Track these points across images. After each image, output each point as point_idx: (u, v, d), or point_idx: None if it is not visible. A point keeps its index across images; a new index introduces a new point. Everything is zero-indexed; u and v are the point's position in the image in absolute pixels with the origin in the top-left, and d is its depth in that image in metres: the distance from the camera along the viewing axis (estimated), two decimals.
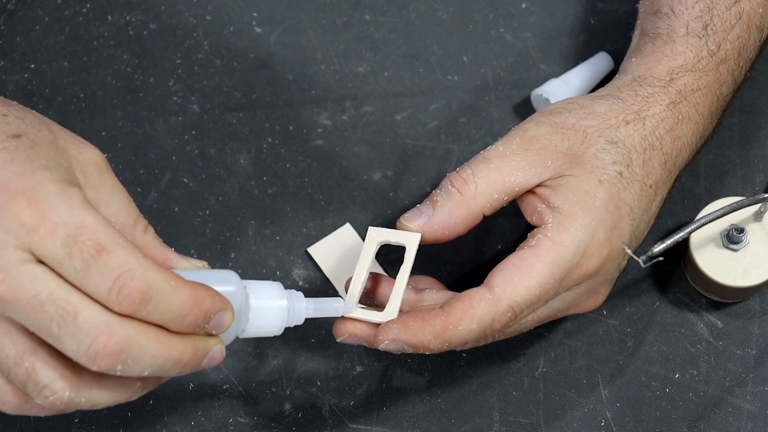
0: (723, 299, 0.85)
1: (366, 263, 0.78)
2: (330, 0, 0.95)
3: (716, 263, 0.83)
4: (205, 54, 0.94)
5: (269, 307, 0.71)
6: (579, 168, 0.76)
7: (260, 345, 0.86)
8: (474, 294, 0.74)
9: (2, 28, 0.94)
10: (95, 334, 0.63)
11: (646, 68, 0.80)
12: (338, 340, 0.76)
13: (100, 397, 0.67)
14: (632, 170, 0.77)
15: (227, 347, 0.69)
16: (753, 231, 0.83)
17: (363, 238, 0.88)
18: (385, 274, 0.80)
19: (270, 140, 0.91)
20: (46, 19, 0.95)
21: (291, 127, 0.92)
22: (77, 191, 0.65)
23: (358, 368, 0.85)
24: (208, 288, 0.67)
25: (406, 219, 0.77)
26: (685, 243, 0.84)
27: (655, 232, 0.87)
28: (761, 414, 0.83)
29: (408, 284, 0.77)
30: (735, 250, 0.83)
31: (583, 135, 0.77)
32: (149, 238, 0.70)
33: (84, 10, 0.95)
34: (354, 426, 0.84)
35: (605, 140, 0.77)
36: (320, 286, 0.87)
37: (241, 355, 0.85)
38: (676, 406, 0.84)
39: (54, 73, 0.93)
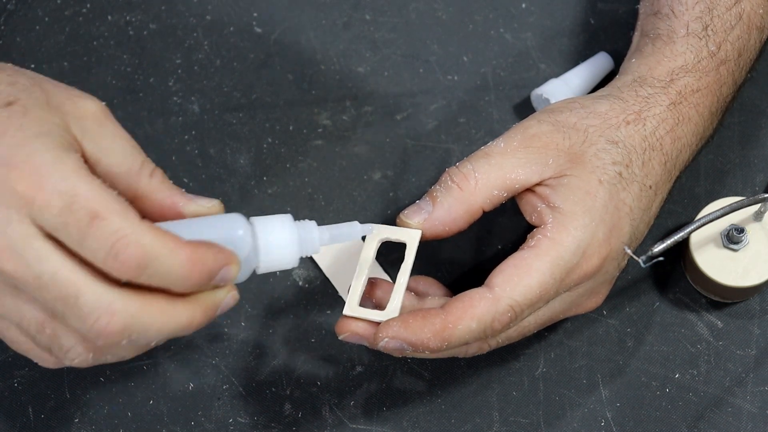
0: (723, 299, 0.85)
1: (367, 261, 0.78)
2: (330, 0, 0.95)
3: (716, 263, 0.83)
4: (205, 54, 0.94)
5: (279, 244, 0.71)
6: (580, 168, 0.76)
7: (260, 345, 0.86)
8: (474, 293, 0.74)
9: (2, 28, 0.94)
10: (97, 315, 0.64)
11: (646, 69, 0.80)
12: (340, 337, 0.76)
13: (123, 352, 0.68)
14: (631, 171, 0.77)
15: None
16: (753, 231, 0.83)
17: (363, 238, 0.88)
18: (387, 278, 0.80)
19: (270, 140, 0.91)
20: (46, 19, 0.95)
21: (291, 127, 0.92)
22: (72, 157, 0.65)
23: (358, 368, 0.85)
24: (210, 245, 0.66)
25: (406, 216, 0.77)
26: (685, 243, 0.84)
27: (655, 232, 0.87)
28: (761, 414, 0.83)
29: (409, 284, 0.77)
30: (735, 250, 0.83)
31: (584, 134, 0.77)
32: (156, 183, 0.70)
33: (84, 10, 0.95)
34: (354, 426, 0.84)
35: (606, 140, 0.77)
36: (320, 286, 0.87)
37: (241, 355, 0.85)
38: (676, 406, 0.84)
39: (54, 73, 0.93)
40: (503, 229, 0.88)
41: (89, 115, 0.69)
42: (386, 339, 0.74)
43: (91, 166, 0.68)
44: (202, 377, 0.85)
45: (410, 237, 0.77)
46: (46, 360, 0.69)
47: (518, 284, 0.74)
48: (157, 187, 0.70)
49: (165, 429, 0.84)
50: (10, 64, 0.70)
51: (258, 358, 0.85)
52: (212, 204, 0.71)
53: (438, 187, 0.77)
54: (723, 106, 0.82)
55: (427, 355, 0.75)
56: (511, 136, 0.77)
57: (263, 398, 0.85)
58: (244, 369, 0.85)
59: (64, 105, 0.68)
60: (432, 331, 0.74)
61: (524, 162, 0.76)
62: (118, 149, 0.69)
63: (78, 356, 0.67)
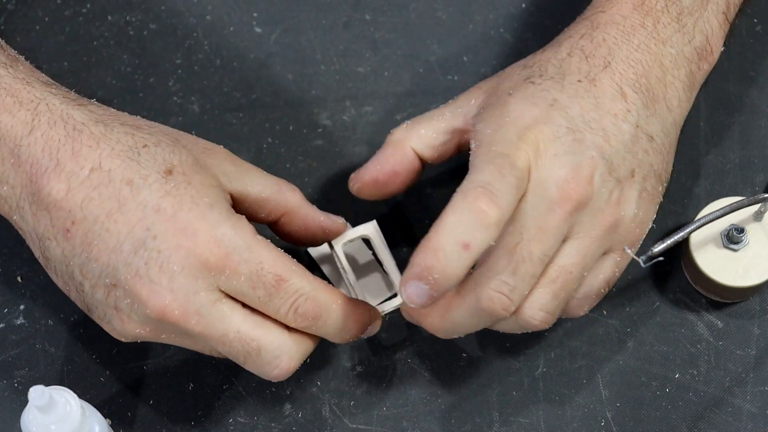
0: (723, 299, 0.86)
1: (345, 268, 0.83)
2: (330, 0, 0.95)
3: (716, 263, 0.83)
4: (205, 54, 0.94)
5: None
6: (495, 96, 0.78)
7: None
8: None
9: (2, 28, 0.94)
10: (276, 363, 0.75)
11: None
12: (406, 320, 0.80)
13: None
14: (546, 77, 0.78)
15: None
16: (753, 231, 0.83)
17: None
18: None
19: (270, 140, 0.91)
20: (46, 19, 0.95)
21: (291, 127, 0.92)
22: (246, 224, 0.74)
23: (358, 368, 0.85)
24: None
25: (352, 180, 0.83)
26: (685, 243, 0.84)
27: (655, 232, 0.87)
28: (761, 414, 0.83)
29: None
30: (735, 250, 0.83)
31: (506, 73, 0.81)
32: (297, 199, 0.79)
33: (84, 10, 0.95)
34: (354, 426, 0.84)
35: (521, 67, 0.80)
36: None
37: None
38: (676, 406, 0.84)
39: (54, 73, 0.93)
40: None
41: (224, 161, 0.77)
42: (409, 282, 0.72)
43: (242, 201, 0.77)
44: (202, 377, 0.85)
45: (367, 229, 0.83)
46: None
47: (469, 178, 0.73)
48: (300, 203, 0.79)
49: (165, 429, 0.84)
50: (138, 117, 0.78)
51: None
52: (341, 221, 0.82)
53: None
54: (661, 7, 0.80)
55: (435, 277, 0.72)
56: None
57: (263, 398, 0.85)
58: (244, 369, 0.85)
59: (206, 160, 0.76)
60: (422, 248, 0.72)
61: (449, 106, 0.81)
62: (255, 179, 0.78)
63: None
